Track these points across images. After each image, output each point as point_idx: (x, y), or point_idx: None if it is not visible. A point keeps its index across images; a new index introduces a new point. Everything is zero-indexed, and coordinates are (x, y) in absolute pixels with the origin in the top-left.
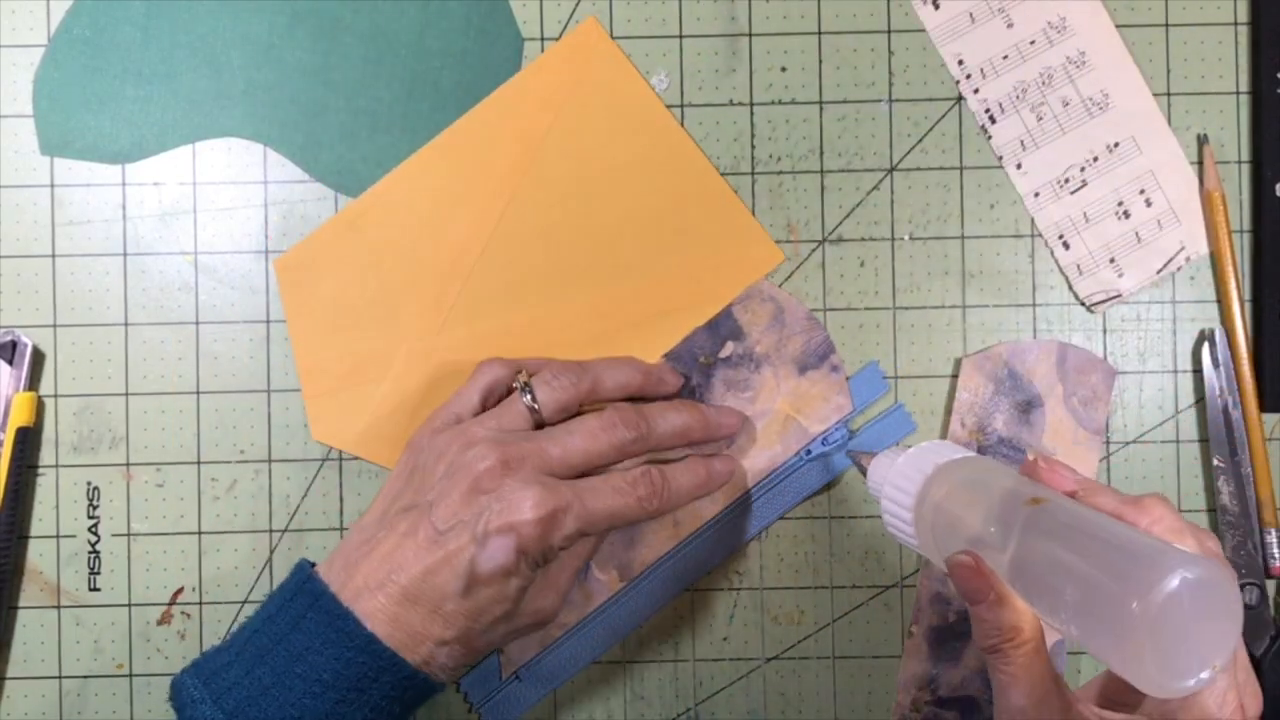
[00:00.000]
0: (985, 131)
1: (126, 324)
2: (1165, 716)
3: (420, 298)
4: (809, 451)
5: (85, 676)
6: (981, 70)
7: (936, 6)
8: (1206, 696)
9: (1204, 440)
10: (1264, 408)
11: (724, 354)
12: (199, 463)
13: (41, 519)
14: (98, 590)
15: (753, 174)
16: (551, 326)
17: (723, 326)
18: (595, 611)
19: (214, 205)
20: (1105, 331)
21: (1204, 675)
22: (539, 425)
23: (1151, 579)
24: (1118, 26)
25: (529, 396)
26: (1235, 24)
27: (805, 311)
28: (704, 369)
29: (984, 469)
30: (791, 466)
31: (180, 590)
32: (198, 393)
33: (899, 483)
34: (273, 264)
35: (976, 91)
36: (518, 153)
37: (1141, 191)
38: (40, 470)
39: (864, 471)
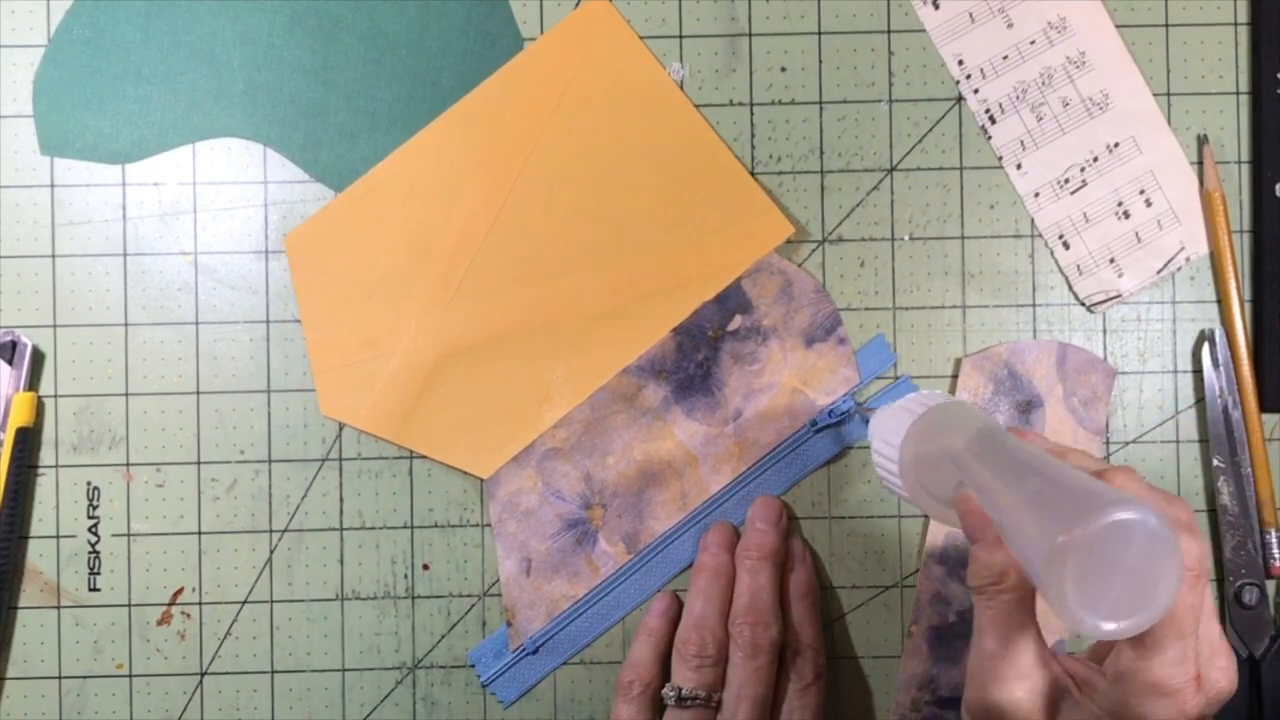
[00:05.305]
0: (985, 132)
1: (126, 324)
2: (1119, 674)
3: (429, 273)
4: (815, 424)
5: (85, 676)
6: (981, 70)
7: (936, 6)
8: (1156, 663)
9: (1204, 440)
10: (1264, 408)
11: (732, 327)
12: (199, 463)
13: (41, 519)
14: (98, 590)
15: (753, 174)
16: (560, 301)
17: (731, 300)
18: (603, 584)
19: (214, 205)
20: (1105, 331)
21: (1113, 626)
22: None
23: (1084, 515)
24: (1118, 26)
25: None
26: (1235, 24)
27: (814, 284)
28: (712, 342)
29: (962, 412)
30: (798, 439)
31: (180, 590)
32: (198, 393)
33: (886, 432)
34: (283, 239)
35: (976, 91)
36: (526, 127)
37: (1141, 191)
38: (40, 470)
39: (867, 423)
